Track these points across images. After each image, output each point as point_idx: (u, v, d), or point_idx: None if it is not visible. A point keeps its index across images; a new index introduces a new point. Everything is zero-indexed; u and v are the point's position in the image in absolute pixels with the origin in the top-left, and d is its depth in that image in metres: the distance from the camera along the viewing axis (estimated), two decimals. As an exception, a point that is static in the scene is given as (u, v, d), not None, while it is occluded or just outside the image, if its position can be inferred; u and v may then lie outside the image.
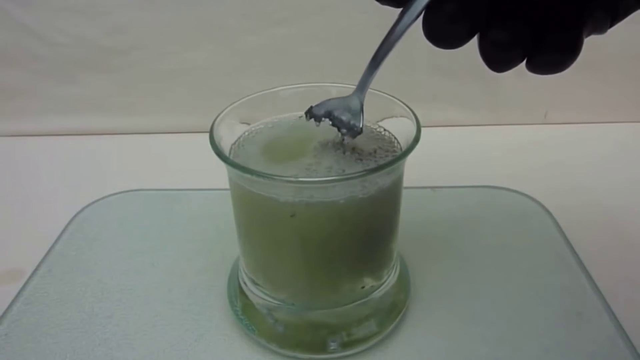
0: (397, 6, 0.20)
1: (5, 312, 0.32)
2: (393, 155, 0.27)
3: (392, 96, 0.28)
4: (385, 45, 0.22)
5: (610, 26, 0.20)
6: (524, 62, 0.20)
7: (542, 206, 0.41)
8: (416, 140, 0.25)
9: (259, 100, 0.29)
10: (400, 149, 0.28)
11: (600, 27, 0.20)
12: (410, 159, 0.25)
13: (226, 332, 0.31)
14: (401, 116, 0.28)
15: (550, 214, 0.40)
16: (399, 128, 0.28)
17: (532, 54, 0.20)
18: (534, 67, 0.20)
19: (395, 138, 0.29)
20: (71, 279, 0.35)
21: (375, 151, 0.27)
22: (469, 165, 0.48)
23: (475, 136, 0.54)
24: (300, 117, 0.30)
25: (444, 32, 0.19)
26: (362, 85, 0.24)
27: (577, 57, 0.19)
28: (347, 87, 0.29)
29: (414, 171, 0.31)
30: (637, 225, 0.40)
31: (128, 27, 0.51)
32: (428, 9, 0.19)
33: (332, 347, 0.29)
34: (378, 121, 0.29)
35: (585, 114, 0.55)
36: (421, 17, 0.19)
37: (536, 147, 0.52)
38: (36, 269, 0.35)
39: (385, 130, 0.29)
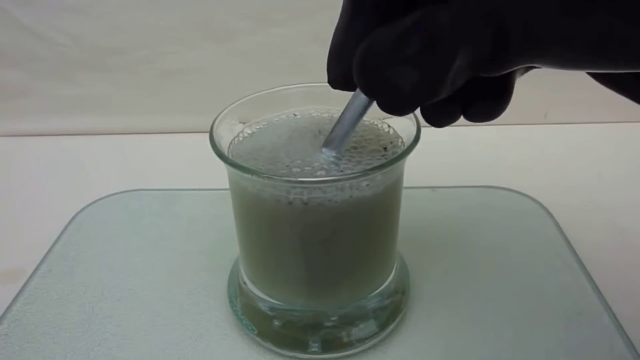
0: (351, 90, 0.21)
1: (5, 312, 0.32)
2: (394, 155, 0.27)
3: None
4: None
5: None
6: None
7: (542, 206, 0.41)
8: (416, 140, 0.25)
9: (259, 100, 0.29)
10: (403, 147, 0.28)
11: None
12: (410, 159, 0.25)
13: (226, 332, 0.31)
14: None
15: (550, 214, 0.40)
16: (399, 128, 0.28)
17: (467, 105, 0.20)
18: (472, 117, 0.21)
19: (398, 135, 0.28)
20: (71, 279, 0.35)
21: (384, 149, 0.27)
22: (469, 165, 0.48)
23: (475, 136, 0.54)
24: (296, 114, 0.30)
25: (395, 105, 0.20)
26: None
27: (510, 99, 0.20)
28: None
29: (414, 171, 0.31)
30: (637, 225, 0.40)
31: (128, 27, 0.51)
32: None
33: (332, 348, 0.29)
34: (384, 118, 0.29)
35: (585, 114, 0.55)
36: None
37: (536, 147, 0.52)
38: (36, 269, 0.35)
39: (389, 127, 0.29)
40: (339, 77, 0.21)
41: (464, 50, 0.15)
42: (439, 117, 0.21)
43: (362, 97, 0.21)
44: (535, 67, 0.20)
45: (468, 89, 0.19)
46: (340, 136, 0.23)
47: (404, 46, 0.16)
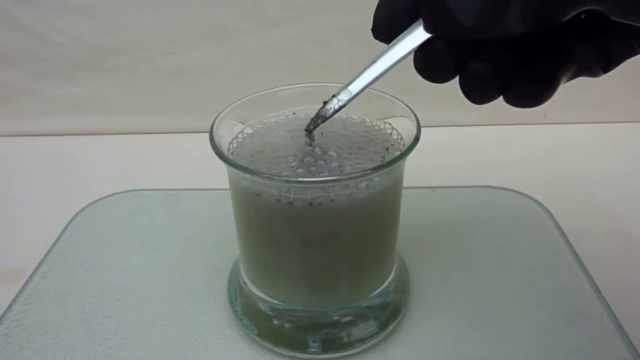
0: (388, 40, 0.21)
1: (5, 312, 0.32)
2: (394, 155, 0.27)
3: (392, 96, 0.28)
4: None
5: (606, 71, 0.21)
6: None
7: (542, 206, 0.41)
8: (416, 140, 0.25)
9: (259, 100, 0.29)
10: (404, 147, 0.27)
11: (590, 69, 0.21)
12: (410, 159, 0.25)
13: (226, 332, 0.31)
14: (401, 116, 0.28)
15: (550, 214, 0.40)
16: (399, 128, 0.28)
17: (508, 86, 0.20)
18: (510, 99, 0.20)
19: (400, 136, 0.28)
20: (71, 279, 0.35)
21: (385, 149, 0.27)
22: (469, 165, 0.48)
23: (475, 136, 0.54)
24: (294, 113, 0.30)
25: (433, 67, 0.20)
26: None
27: (552, 92, 0.20)
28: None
29: (414, 171, 0.31)
30: (637, 225, 0.40)
31: (128, 27, 0.51)
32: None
33: (332, 347, 0.29)
34: (385, 118, 0.29)
35: (585, 114, 0.55)
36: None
37: (536, 147, 0.52)
38: (36, 269, 0.35)
39: (392, 127, 0.29)
40: (386, 20, 0.21)
41: None
42: (478, 92, 0.21)
43: (404, 42, 0.20)
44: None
45: (512, 70, 0.20)
46: (363, 79, 0.22)
47: None
